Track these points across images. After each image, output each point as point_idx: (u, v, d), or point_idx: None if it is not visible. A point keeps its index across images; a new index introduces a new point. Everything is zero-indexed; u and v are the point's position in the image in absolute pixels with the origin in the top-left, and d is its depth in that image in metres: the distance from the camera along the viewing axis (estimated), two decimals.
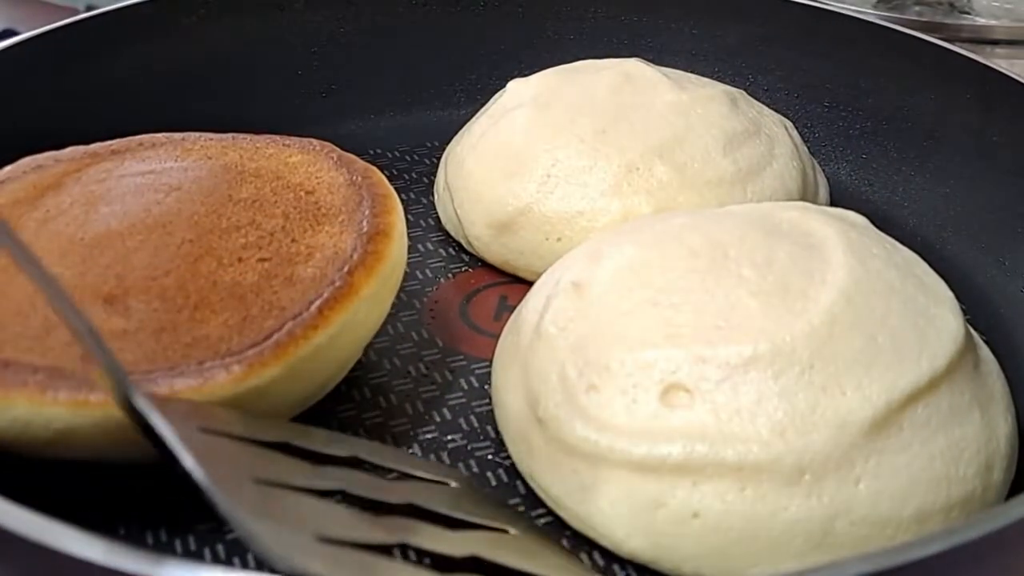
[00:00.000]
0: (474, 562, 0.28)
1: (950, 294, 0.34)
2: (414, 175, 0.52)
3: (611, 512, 0.31)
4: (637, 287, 0.34)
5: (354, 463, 0.31)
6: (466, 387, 0.39)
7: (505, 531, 0.31)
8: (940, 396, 0.31)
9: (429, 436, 0.37)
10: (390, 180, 0.39)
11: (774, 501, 0.29)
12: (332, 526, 0.27)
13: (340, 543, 0.26)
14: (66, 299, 0.27)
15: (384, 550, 0.27)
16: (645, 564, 0.31)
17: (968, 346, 0.33)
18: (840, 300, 0.32)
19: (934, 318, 0.33)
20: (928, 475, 0.30)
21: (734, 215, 0.37)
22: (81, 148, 0.40)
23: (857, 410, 0.30)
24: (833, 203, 0.48)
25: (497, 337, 0.39)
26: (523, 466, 0.34)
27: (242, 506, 0.25)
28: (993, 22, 0.63)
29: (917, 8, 0.65)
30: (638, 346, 0.32)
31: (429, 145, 0.54)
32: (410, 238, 0.46)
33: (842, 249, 0.34)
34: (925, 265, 0.36)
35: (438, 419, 0.37)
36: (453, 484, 0.33)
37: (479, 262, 0.46)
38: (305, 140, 0.41)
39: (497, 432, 0.36)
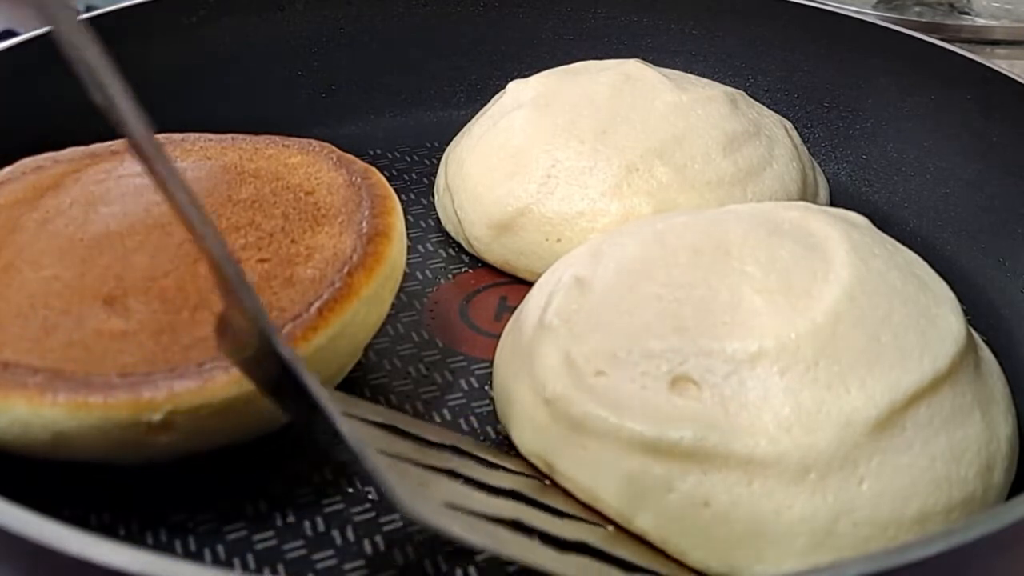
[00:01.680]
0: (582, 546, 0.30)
1: (951, 295, 0.34)
2: (414, 176, 0.52)
3: (621, 490, 0.31)
4: (640, 282, 0.34)
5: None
6: (466, 388, 0.39)
7: (603, 527, 0.32)
8: (942, 396, 0.31)
9: None
10: (390, 181, 0.39)
11: (779, 498, 0.29)
12: (457, 497, 0.28)
13: (466, 511, 0.28)
14: (215, 233, 0.26)
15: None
16: (653, 544, 0.31)
17: (969, 347, 0.33)
18: (844, 299, 0.32)
19: (936, 318, 0.33)
20: (930, 476, 0.30)
21: (736, 214, 0.37)
22: (80, 149, 0.40)
23: (861, 409, 0.30)
24: (833, 203, 0.48)
25: (497, 338, 0.38)
26: (527, 446, 0.34)
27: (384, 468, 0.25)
28: (993, 22, 0.63)
29: (917, 8, 0.65)
30: (644, 337, 0.32)
31: (429, 145, 0.54)
32: (410, 239, 0.46)
33: (845, 249, 0.34)
34: (926, 266, 0.36)
35: (438, 420, 0.37)
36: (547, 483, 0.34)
37: (479, 263, 0.46)
38: (304, 141, 0.41)
39: (498, 432, 0.36)
